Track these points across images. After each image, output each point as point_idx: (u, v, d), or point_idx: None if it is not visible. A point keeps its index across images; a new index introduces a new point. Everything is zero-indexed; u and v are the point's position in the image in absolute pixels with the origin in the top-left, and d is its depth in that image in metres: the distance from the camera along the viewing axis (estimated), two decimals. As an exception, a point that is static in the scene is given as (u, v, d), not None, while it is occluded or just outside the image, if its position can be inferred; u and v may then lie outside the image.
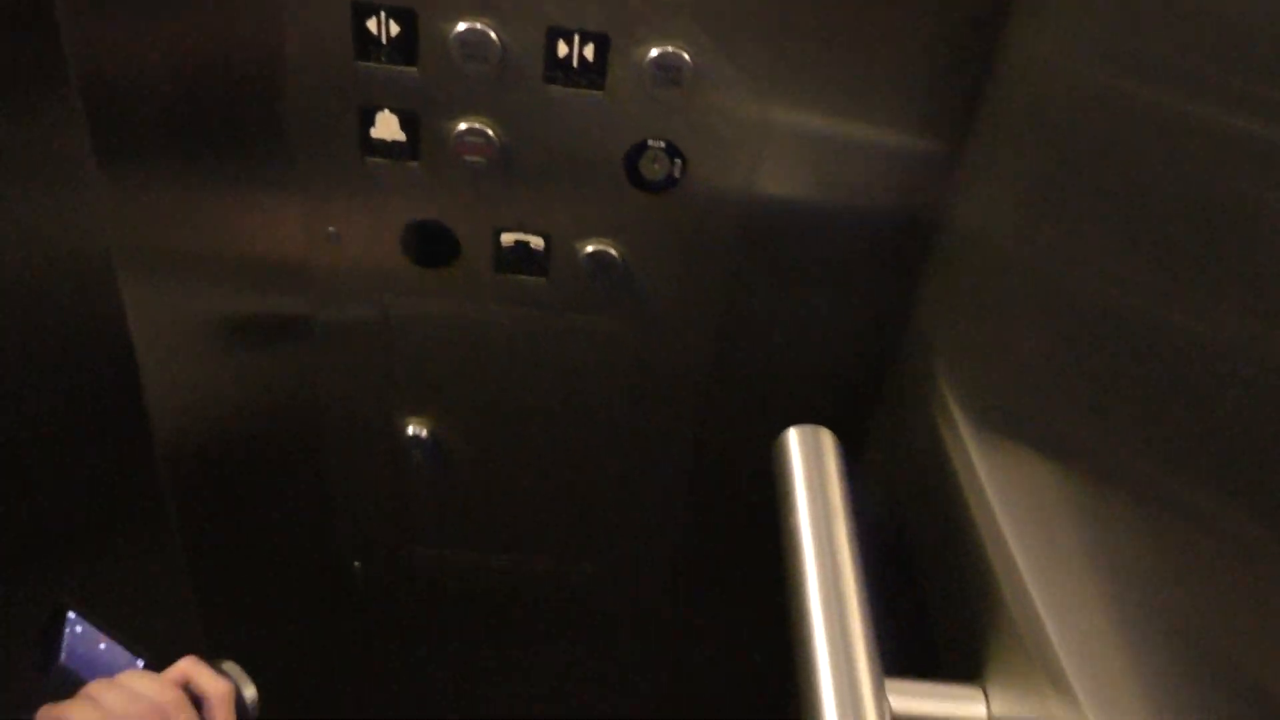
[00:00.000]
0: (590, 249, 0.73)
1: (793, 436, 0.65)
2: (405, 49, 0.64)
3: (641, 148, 0.69)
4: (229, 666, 0.63)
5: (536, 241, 0.74)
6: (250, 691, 0.63)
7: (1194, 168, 0.38)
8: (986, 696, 0.52)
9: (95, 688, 0.56)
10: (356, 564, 0.95)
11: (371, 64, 0.65)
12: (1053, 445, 0.48)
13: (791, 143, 0.68)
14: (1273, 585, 0.31)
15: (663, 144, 0.68)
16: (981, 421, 0.58)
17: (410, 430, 0.84)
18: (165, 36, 0.64)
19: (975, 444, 0.58)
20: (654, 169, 0.69)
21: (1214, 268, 0.36)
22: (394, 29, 0.64)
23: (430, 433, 0.84)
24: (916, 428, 0.68)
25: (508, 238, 0.74)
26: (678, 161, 0.69)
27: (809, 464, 0.63)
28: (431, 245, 0.74)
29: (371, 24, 0.63)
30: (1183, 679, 0.35)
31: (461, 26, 0.63)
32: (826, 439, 0.64)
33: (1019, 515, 0.52)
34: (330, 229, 0.73)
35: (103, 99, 0.66)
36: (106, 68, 0.65)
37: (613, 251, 0.73)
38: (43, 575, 0.89)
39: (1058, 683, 0.44)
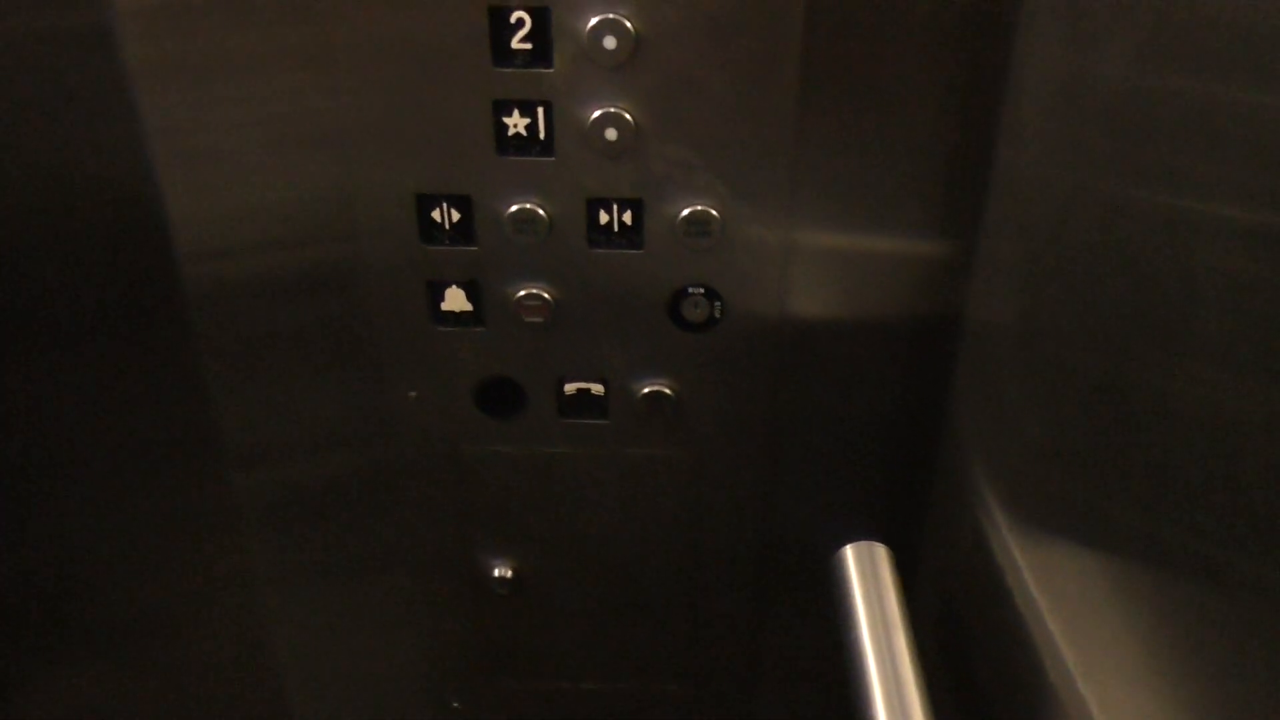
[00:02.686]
0: (646, 390, 0.79)
1: (849, 554, 0.69)
2: (465, 231, 0.73)
3: (682, 294, 0.75)
4: None
5: (597, 388, 0.80)
6: None
7: (1184, 246, 0.41)
8: (1054, 796, 0.54)
9: None
10: (455, 705, 1.00)
11: (436, 247, 0.73)
12: (1090, 534, 0.50)
13: (817, 265, 0.74)
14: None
15: (702, 290, 0.75)
16: (1020, 517, 0.61)
17: (495, 572, 0.90)
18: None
19: (1015, 540, 0.61)
20: (696, 313, 0.76)
21: (1235, 344, 0.37)
22: (454, 216, 0.72)
23: (511, 569, 0.89)
24: (962, 529, 0.70)
25: (570, 387, 0.80)
26: (717, 303, 0.75)
27: (865, 579, 0.66)
28: (501, 399, 0.80)
29: (435, 214, 0.72)
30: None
31: (513, 208, 0.71)
32: (880, 553, 0.68)
33: (1063, 610, 0.54)
34: (412, 394, 0.81)
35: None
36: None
37: (666, 390, 0.79)
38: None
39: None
